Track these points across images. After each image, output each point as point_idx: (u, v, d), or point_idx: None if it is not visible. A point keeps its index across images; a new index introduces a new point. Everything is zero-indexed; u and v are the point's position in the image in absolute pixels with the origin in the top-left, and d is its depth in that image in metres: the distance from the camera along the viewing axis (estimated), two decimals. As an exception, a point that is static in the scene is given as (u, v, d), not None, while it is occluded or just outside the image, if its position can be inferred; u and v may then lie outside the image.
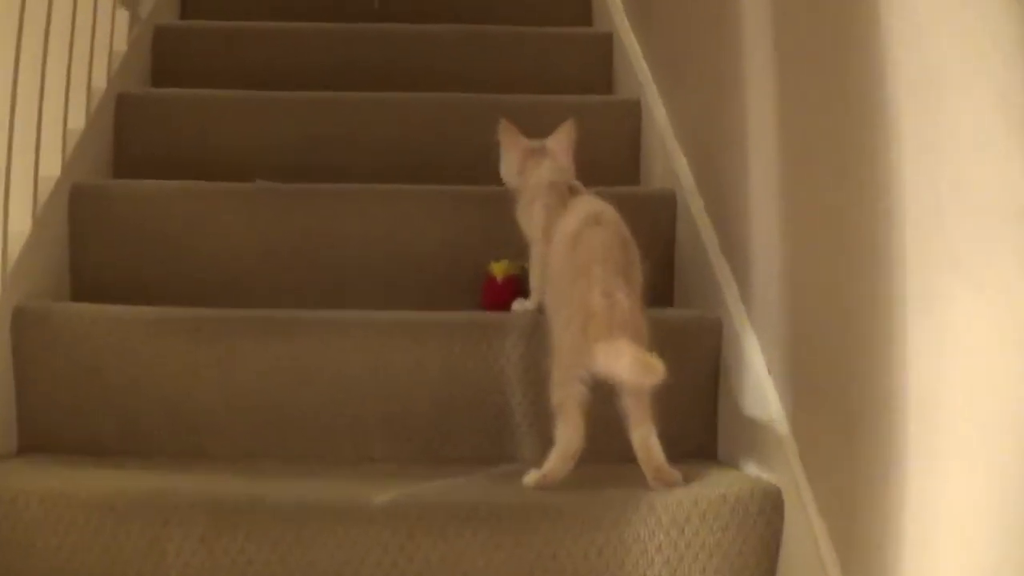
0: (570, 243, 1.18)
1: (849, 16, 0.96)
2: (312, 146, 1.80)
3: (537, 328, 1.27)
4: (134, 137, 1.79)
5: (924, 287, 0.81)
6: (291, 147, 1.79)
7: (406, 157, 1.79)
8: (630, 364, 1.03)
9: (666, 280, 1.55)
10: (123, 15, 1.90)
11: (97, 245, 1.53)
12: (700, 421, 1.31)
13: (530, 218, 1.29)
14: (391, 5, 2.32)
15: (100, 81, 1.75)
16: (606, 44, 2.12)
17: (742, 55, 1.32)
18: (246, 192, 1.57)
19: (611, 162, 1.83)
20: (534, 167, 1.30)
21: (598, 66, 2.10)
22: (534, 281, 1.31)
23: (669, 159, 1.66)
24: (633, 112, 1.86)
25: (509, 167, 1.33)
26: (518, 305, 1.34)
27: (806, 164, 1.11)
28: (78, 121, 1.60)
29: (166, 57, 2.05)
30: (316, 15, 2.24)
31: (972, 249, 0.73)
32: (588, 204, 1.25)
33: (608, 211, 1.22)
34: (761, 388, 1.18)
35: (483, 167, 1.74)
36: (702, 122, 1.54)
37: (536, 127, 1.75)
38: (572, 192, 1.29)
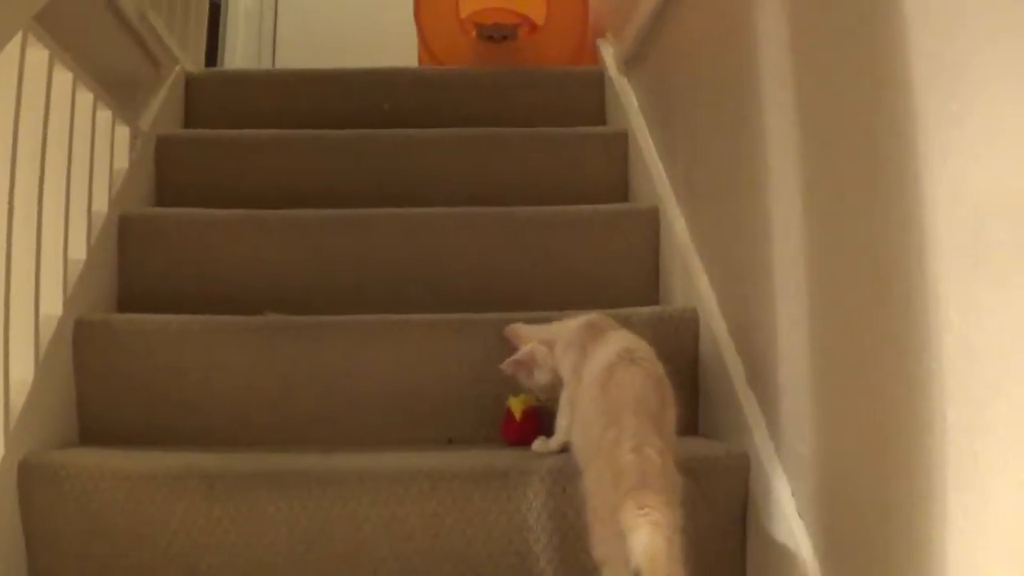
0: (601, 382, 1.18)
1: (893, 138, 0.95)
2: (321, 267, 1.84)
3: (561, 472, 1.26)
4: (137, 263, 1.83)
5: (966, 457, 0.81)
6: (299, 267, 1.85)
7: (419, 272, 1.84)
8: (643, 552, 1.00)
9: (690, 404, 1.54)
10: (123, 131, 1.95)
11: (102, 385, 1.54)
12: (727, 563, 1.30)
13: (563, 358, 1.31)
14: (402, 107, 2.40)
15: (101, 204, 1.77)
16: (621, 144, 2.18)
17: (767, 166, 1.32)
18: (255, 326, 1.59)
19: (627, 276, 1.87)
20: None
21: (613, 168, 2.17)
22: (561, 420, 1.31)
23: (690, 276, 1.67)
24: (651, 221, 1.89)
25: (543, 375, 1.36)
26: (540, 445, 1.34)
27: (839, 295, 1.10)
28: (79, 251, 1.62)
29: (170, 169, 2.11)
30: (324, 120, 2.33)
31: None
32: (621, 340, 1.26)
33: (642, 347, 1.23)
34: (791, 530, 1.19)
35: (496, 283, 1.82)
36: (724, 237, 1.55)
37: (549, 239, 1.85)
38: (603, 330, 1.31)
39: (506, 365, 1.38)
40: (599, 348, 1.26)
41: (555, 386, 1.35)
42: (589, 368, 1.24)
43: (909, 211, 0.90)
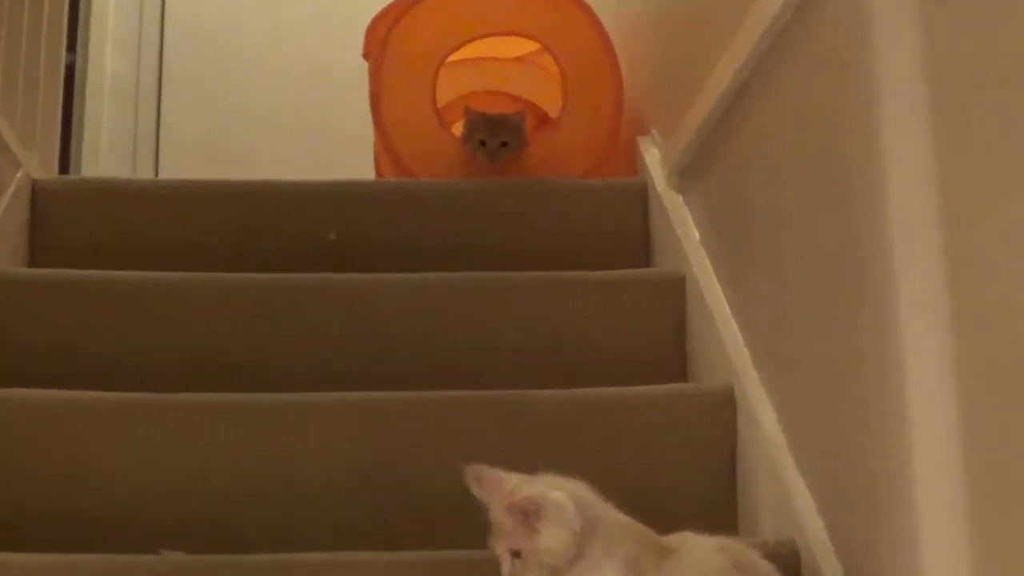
0: None
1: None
2: (235, 478, 1.88)
3: None
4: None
5: None
6: (203, 478, 1.88)
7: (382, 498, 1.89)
8: None
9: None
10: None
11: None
12: None
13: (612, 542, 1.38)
14: (355, 239, 2.49)
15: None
16: (675, 294, 2.26)
17: (899, 335, 1.36)
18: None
19: (690, 489, 1.92)
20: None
21: (665, 328, 2.26)
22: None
23: (783, 491, 1.70)
24: (723, 409, 1.94)
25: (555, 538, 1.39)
26: None
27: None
28: None
29: (10, 326, 2.18)
30: (236, 256, 2.42)
31: None
32: (709, 553, 1.36)
33: (745, 555, 1.34)
34: None
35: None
36: (840, 437, 1.58)
37: (581, 436, 1.89)
38: (665, 548, 1.38)
39: (509, 505, 1.39)
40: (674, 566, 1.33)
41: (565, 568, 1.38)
42: None
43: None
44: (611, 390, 2.00)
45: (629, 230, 2.55)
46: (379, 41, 2.76)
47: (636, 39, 2.85)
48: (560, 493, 1.40)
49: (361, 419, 1.94)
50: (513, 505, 1.38)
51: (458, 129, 2.77)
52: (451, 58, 2.76)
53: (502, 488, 1.42)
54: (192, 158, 3.92)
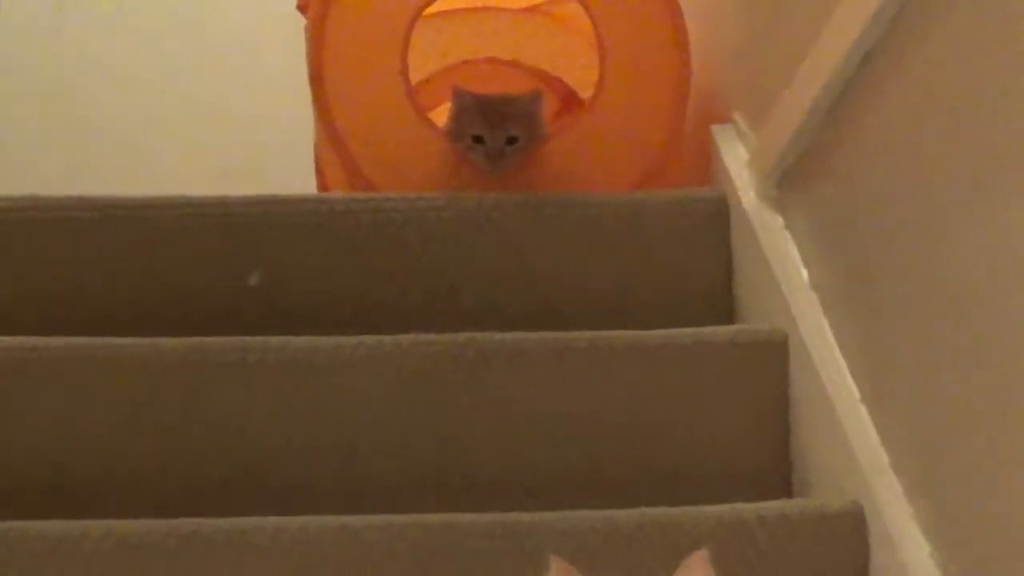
0: None
1: None
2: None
3: None
4: None
5: None
6: None
7: None
8: None
9: None
10: None
11: None
12: None
13: None
14: (290, 284, 2.52)
15: None
16: (773, 362, 2.32)
17: None
18: None
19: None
20: None
21: (759, 411, 2.33)
22: None
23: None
24: (850, 542, 1.97)
25: None
26: None
27: None
28: None
29: None
30: (111, 309, 2.48)
31: None
32: None
33: None
34: None
35: None
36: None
37: None
38: None
39: None
40: None
41: None
42: None
43: None
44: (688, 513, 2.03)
45: (702, 268, 2.60)
46: (322, -14, 2.73)
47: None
48: None
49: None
50: None
51: (443, 118, 2.75)
52: (431, 8, 2.75)
53: None
54: (24, 167, 3.97)
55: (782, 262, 2.37)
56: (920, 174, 1.89)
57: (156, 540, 1.95)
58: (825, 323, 2.22)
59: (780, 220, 2.45)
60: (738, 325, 2.50)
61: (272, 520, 1.97)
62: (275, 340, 2.28)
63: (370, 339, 2.29)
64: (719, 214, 2.61)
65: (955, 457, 1.79)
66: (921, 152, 1.88)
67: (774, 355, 2.31)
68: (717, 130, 2.78)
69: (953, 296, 1.78)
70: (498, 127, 2.65)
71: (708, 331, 2.37)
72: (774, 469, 2.29)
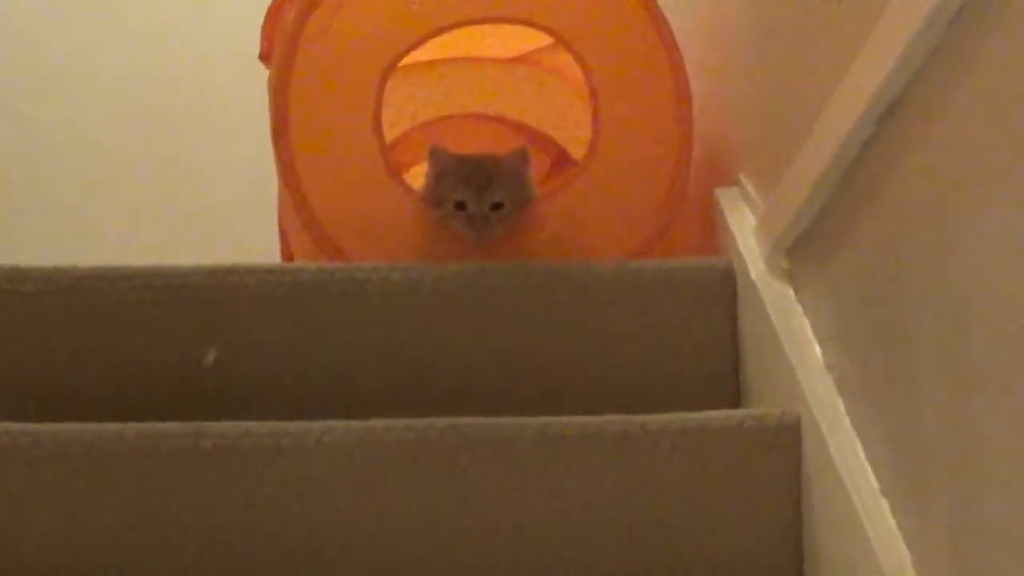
0: None
1: None
2: None
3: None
4: None
5: None
6: None
7: None
8: None
9: None
10: None
11: None
12: None
13: None
14: (248, 366, 2.47)
15: None
16: (786, 447, 2.25)
17: None
18: None
19: None
20: None
21: (770, 518, 2.26)
22: None
23: None
24: None
25: None
26: None
27: None
28: None
29: None
30: (47, 395, 2.43)
31: None
32: None
33: None
34: None
35: None
36: None
37: None
38: None
39: None
40: None
41: None
42: None
43: None
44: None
45: (706, 346, 2.56)
46: (287, 33, 2.72)
47: (712, 35, 2.90)
48: None
49: None
50: None
51: (419, 179, 2.71)
52: (407, 59, 2.73)
53: None
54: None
55: (794, 339, 2.32)
56: (950, 241, 1.79)
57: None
58: (841, 407, 2.15)
59: (791, 292, 2.40)
60: (746, 409, 2.46)
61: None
62: (232, 425, 2.24)
63: (339, 424, 2.25)
64: (725, 285, 2.57)
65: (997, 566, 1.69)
66: (950, 216, 1.79)
67: (786, 442, 2.25)
68: (722, 193, 2.73)
69: (989, 374, 1.68)
70: (482, 191, 2.60)
71: (714, 415, 2.32)
72: (786, 567, 2.24)
